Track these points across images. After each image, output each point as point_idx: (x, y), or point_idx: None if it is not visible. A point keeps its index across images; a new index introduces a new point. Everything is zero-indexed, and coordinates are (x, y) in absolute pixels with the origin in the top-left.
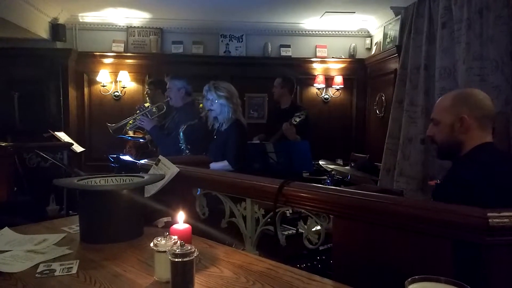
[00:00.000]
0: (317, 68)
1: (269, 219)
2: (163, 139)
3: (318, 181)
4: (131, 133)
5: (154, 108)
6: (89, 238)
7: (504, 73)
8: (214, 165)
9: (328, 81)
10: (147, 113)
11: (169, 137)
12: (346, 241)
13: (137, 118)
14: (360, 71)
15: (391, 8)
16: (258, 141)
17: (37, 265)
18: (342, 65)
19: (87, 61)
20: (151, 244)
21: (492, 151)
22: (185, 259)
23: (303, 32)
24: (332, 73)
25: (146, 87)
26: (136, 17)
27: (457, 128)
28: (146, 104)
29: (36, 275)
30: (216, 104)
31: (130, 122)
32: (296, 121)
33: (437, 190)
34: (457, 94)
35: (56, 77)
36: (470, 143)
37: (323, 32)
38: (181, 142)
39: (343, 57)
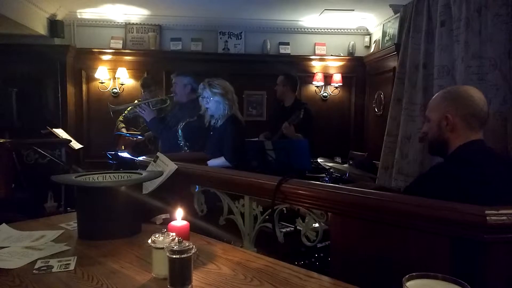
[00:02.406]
0: (316, 66)
1: (267, 216)
2: (163, 131)
3: (316, 179)
4: (124, 130)
5: (156, 100)
6: (87, 234)
7: (502, 72)
8: (211, 162)
9: (327, 79)
10: (149, 103)
11: (170, 130)
12: (344, 239)
13: (140, 105)
14: (359, 69)
15: (390, 6)
16: (264, 139)
17: (34, 262)
18: (341, 63)
19: (85, 58)
20: (149, 241)
21: (479, 149)
22: (183, 256)
23: (302, 29)
24: (331, 71)
25: (141, 89)
26: (135, 14)
27: (443, 126)
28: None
29: (34, 271)
30: (212, 102)
31: (129, 109)
32: (294, 120)
33: (418, 179)
34: (445, 92)
35: (54, 74)
36: (456, 141)
37: (322, 30)
38: (179, 139)
39: (342, 55)
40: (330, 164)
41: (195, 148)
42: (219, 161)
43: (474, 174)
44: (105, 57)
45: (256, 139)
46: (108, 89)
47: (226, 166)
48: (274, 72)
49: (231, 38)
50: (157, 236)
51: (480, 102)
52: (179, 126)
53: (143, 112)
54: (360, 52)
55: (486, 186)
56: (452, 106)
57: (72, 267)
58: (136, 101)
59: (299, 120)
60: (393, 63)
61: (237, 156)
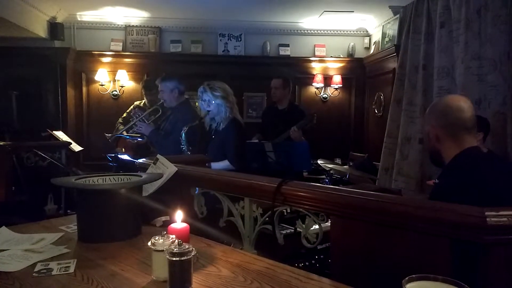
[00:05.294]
0: (316, 68)
1: (267, 218)
2: (162, 142)
3: (316, 181)
4: (124, 132)
5: (149, 113)
6: (86, 237)
7: (502, 72)
8: (215, 165)
9: (327, 80)
10: (143, 118)
11: (168, 138)
12: (344, 240)
13: (135, 124)
14: (359, 71)
15: (390, 7)
16: (257, 141)
17: (34, 264)
18: (341, 65)
19: (86, 60)
20: (149, 243)
21: (472, 157)
22: (182, 258)
23: (302, 31)
24: (331, 73)
25: (142, 91)
26: (135, 16)
27: (432, 138)
28: (138, 102)
29: (34, 274)
30: (213, 105)
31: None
32: (304, 125)
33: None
34: (431, 105)
35: (54, 76)
36: (448, 151)
37: (322, 31)
38: (182, 143)
39: (341, 56)
40: (330, 166)
41: (198, 152)
42: (223, 164)
43: (471, 182)
44: (105, 60)
45: (255, 140)
46: (108, 91)
47: (230, 169)
48: (274, 73)
49: (231, 40)
50: (157, 238)
51: (459, 109)
52: (182, 131)
53: (140, 129)
54: (359, 53)
55: (485, 193)
56: (433, 117)
57: (72, 270)
58: (131, 107)
59: (311, 125)
60: (392, 64)
61: (240, 159)
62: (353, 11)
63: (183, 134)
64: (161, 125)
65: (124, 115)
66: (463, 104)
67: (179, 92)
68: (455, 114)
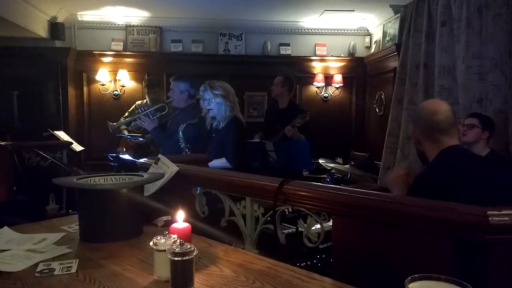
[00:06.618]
0: (317, 67)
1: (268, 218)
2: (164, 140)
3: (318, 180)
4: (126, 132)
5: (155, 109)
6: (88, 237)
7: (503, 71)
8: (212, 163)
9: (328, 79)
10: (148, 113)
11: (171, 138)
12: (345, 240)
13: (139, 117)
14: (360, 70)
15: (391, 6)
16: (258, 140)
17: (36, 264)
18: (342, 64)
19: (86, 60)
20: (151, 243)
21: (449, 155)
22: (184, 258)
23: (303, 30)
24: (332, 72)
25: (145, 89)
26: (135, 16)
27: (415, 141)
28: (139, 102)
29: (36, 274)
30: (213, 103)
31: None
32: (299, 123)
33: (413, 185)
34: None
35: (55, 76)
36: (428, 152)
37: (323, 31)
38: (180, 141)
39: (342, 55)
40: (332, 165)
41: (196, 150)
42: (220, 162)
43: (446, 179)
44: (106, 59)
45: (256, 140)
46: (109, 91)
47: (227, 168)
48: (275, 73)
49: (231, 40)
50: (158, 238)
51: (432, 112)
52: (180, 128)
53: (143, 123)
54: (360, 52)
55: (457, 187)
56: (414, 121)
57: (74, 270)
58: (133, 106)
59: (304, 122)
60: (393, 63)
61: (239, 157)
62: (353, 10)
63: (180, 132)
64: (167, 122)
65: (126, 114)
66: (437, 107)
67: (189, 95)
68: (429, 117)
